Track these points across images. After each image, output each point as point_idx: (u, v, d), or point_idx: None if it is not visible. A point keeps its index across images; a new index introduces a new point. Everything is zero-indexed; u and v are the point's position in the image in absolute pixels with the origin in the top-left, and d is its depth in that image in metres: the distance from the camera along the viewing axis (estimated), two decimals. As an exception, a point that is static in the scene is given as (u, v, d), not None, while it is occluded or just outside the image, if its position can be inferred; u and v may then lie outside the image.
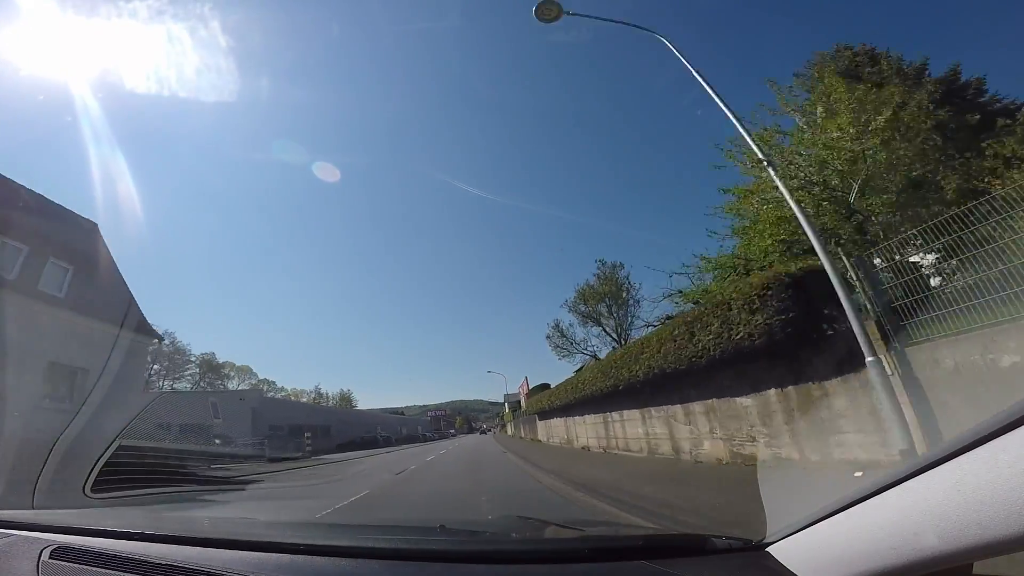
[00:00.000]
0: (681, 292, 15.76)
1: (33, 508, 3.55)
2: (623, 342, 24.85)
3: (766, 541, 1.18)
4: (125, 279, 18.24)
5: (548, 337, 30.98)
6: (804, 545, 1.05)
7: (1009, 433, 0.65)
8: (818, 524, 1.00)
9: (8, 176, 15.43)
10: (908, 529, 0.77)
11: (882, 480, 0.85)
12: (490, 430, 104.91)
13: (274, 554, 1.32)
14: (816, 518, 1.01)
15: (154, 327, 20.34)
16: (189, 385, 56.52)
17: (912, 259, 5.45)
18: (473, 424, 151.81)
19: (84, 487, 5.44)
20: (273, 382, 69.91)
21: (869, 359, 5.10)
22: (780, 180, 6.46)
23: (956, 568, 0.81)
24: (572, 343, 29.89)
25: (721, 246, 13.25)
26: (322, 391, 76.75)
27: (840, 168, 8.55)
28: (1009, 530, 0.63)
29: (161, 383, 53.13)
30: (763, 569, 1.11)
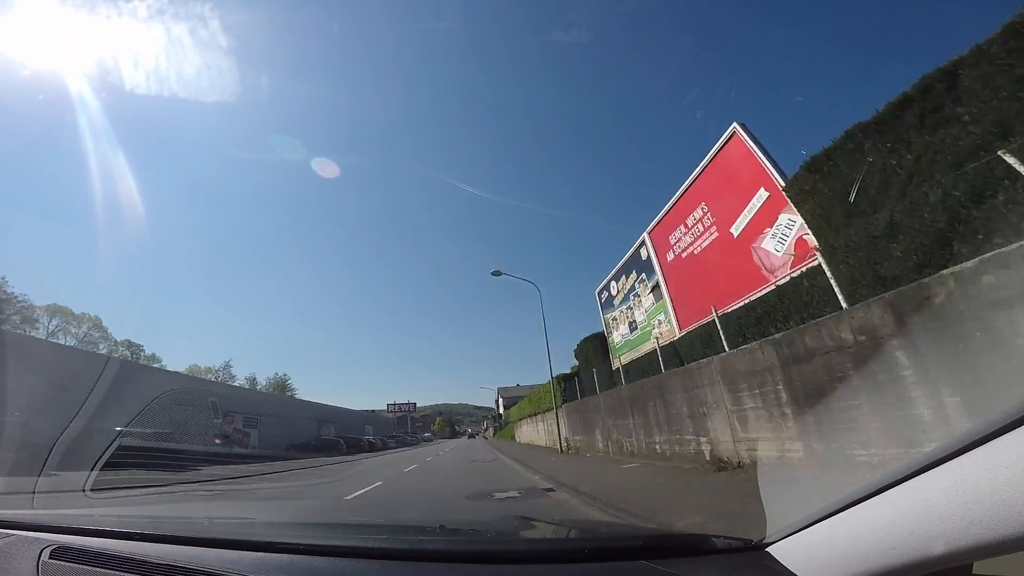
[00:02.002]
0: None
1: (33, 508, 3.56)
2: None
3: (766, 541, 1.18)
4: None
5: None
6: (804, 545, 1.05)
7: (1009, 433, 0.65)
8: (818, 524, 1.00)
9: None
10: (908, 529, 0.77)
11: (882, 480, 0.85)
12: (476, 434, 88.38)
13: (274, 554, 1.32)
14: (816, 518, 1.00)
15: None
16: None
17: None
18: (457, 427, 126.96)
19: (84, 487, 5.46)
20: (140, 346, 45.34)
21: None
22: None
23: (956, 568, 0.81)
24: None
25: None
26: (233, 371, 52.26)
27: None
28: (1009, 530, 0.63)
29: None
30: (763, 569, 1.11)
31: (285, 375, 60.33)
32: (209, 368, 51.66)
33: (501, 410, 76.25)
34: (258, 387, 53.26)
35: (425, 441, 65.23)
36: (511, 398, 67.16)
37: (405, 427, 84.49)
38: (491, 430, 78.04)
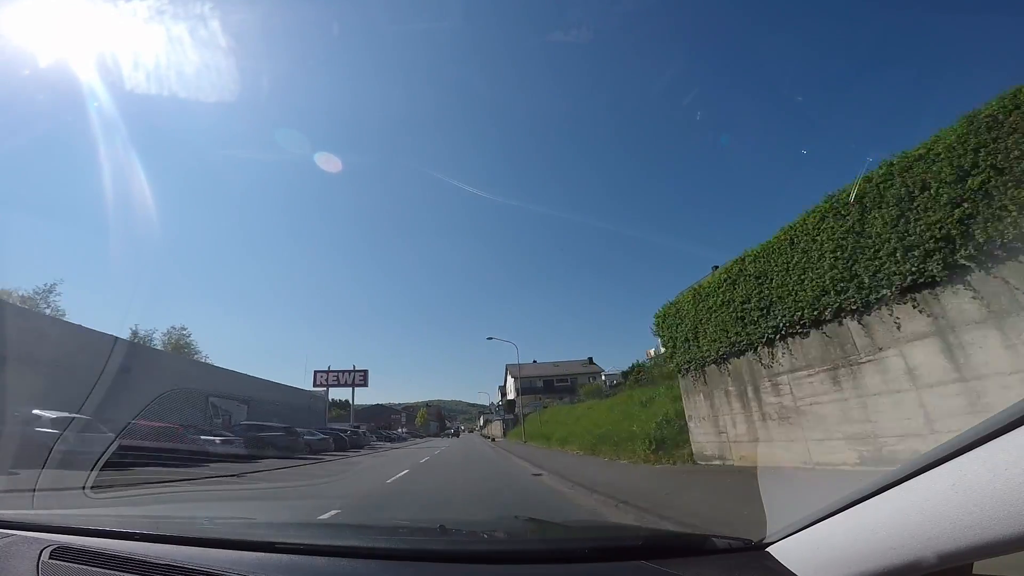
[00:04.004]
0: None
1: (33, 508, 3.56)
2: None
3: (766, 541, 1.18)
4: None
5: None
6: (804, 545, 1.05)
7: (1009, 433, 0.65)
8: (818, 524, 1.00)
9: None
10: (908, 529, 0.77)
11: (882, 480, 0.85)
12: (460, 432, 79.10)
13: (274, 554, 1.32)
14: (816, 518, 1.01)
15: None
16: None
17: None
18: (448, 423, 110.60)
19: (84, 487, 5.46)
20: None
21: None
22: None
23: (956, 568, 0.81)
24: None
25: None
26: (59, 300, 28.77)
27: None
28: (1009, 530, 0.63)
29: None
30: (763, 569, 1.11)
31: (183, 329, 39.03)
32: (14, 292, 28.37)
33: (511, 395, 56.38)
34: (143, 340, 33.97)
35: (397, 441, 45.40)
36: (528, 379, 52.87)
37: (371, 422, 55.36)
38: (497, 426, 55.28)
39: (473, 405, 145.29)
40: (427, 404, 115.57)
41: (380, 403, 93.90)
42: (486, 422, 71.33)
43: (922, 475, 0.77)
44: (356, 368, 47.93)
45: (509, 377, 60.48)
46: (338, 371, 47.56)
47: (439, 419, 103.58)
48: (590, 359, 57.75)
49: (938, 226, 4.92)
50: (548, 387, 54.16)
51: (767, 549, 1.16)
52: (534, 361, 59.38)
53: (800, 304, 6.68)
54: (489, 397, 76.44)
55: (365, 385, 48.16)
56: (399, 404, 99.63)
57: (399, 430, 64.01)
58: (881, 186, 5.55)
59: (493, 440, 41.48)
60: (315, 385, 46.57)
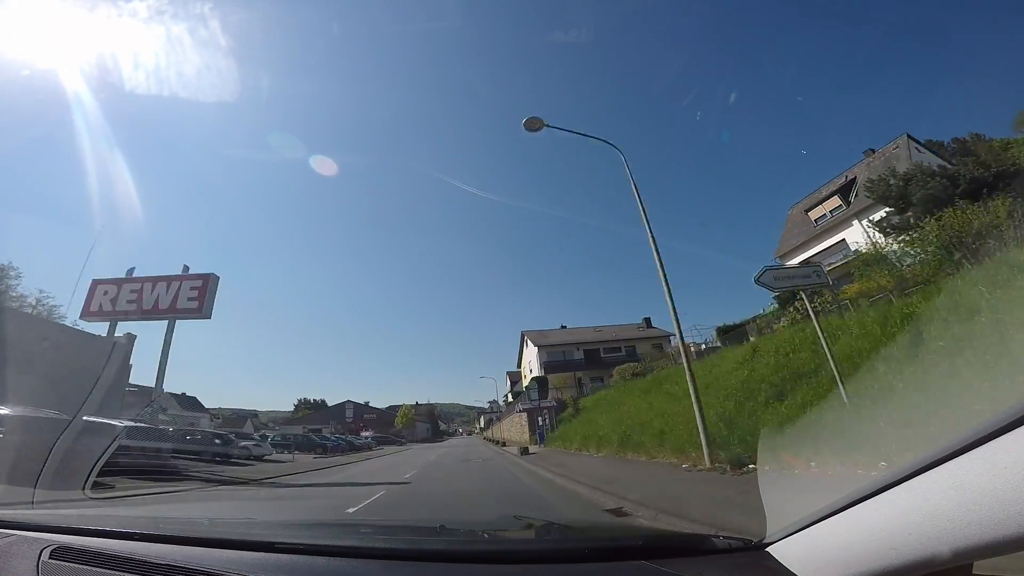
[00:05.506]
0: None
1: (33, 508, 3.55)
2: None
3: (766, 541, 1.18)
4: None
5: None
6: (804, 545, 1.05)
7: (1009, 433, 0.65)
8: (818, 524, 1.00)
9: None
10: (907, 529, 0.77)
11: (882, 480, 0.85)
12: (465, 434, 72.98)
13: (274, 554, 1.32)
14: (816, 518, 1.01)
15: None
16: None
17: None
18: (443, 425, 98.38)
19: (84, 487, 5.45)
20: None
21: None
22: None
23: (956, 568, 0.81)
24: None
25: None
26: None
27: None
28: (1009, 530, 0.63)
29: None
30: (763, 569, 1.11)
31: (40, 293, 23.43)
32: None
33: (536, 370, 37.98)
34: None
35: (331, 454, 28.52)
36: (560, 347, 38.63)
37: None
38: (515, 424, 33.37)
39: (470, 407, 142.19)
40: (416, 405, 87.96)
41: (352, 399, 73.02)
42: (488, 422, 54.88)
43: (922, 475, 0.77)
44: (189, 272, 19.79)
45: (529, 346, 40.68)
46: (141, 279, 19.71)
47: (431, 420, 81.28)
48: (647, 320, 42.58)
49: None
50: (592, 359, 37.80)
51: (767, 549, 1.16)
52: (563, 327, 43.34)
53: None
54: (496, 384, 57.72)
55: (203, 315, 19.04)
56: (386, 407, 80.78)
57: (363, 435, 47.66)
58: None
59: (523, 453, 18.35)
60: (88, 312, 19.37)
